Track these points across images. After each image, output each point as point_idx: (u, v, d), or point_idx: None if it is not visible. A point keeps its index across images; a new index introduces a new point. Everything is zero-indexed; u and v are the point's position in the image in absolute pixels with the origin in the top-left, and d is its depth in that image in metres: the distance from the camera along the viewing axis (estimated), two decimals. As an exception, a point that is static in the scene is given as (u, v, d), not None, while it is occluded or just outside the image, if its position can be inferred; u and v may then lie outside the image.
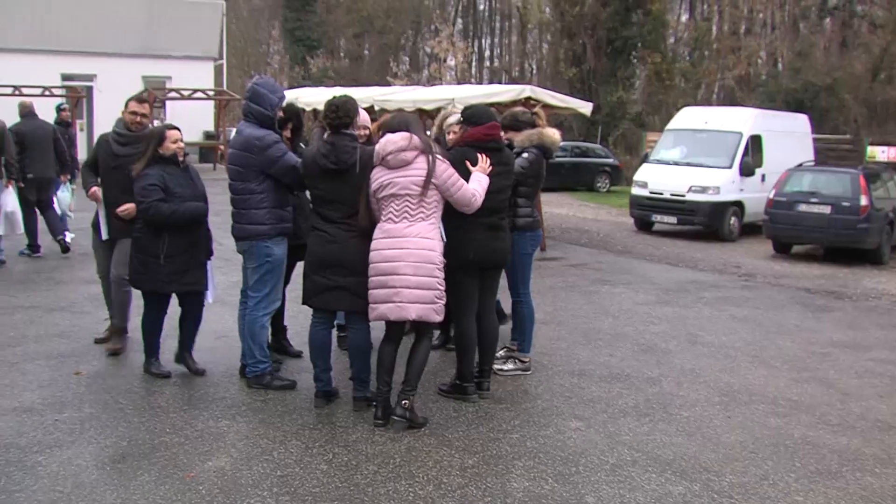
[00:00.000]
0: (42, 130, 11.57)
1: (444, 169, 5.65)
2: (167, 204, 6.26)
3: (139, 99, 7.16)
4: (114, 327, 7.39)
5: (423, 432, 5.71)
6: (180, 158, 6.51)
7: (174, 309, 6.76)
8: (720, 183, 17.21)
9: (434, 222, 5.69)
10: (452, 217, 6.03)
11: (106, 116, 27.29)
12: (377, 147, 5.70)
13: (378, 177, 5.66)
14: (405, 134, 5.63)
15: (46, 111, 22.48)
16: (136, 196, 6.36)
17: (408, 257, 5.54)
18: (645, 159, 19.49)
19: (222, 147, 27.87)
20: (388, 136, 5.68)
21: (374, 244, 5.67)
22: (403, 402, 5.71)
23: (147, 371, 6.68)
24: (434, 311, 5.65)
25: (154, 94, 26.92)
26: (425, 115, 16.35)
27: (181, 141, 6.54)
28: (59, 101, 26.27)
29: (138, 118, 7.03)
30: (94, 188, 7.13)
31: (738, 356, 8.04)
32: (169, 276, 6.38)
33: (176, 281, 6.43)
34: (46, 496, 4.60)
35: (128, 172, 6.76)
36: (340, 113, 5.80)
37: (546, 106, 13.52)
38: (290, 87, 26.39)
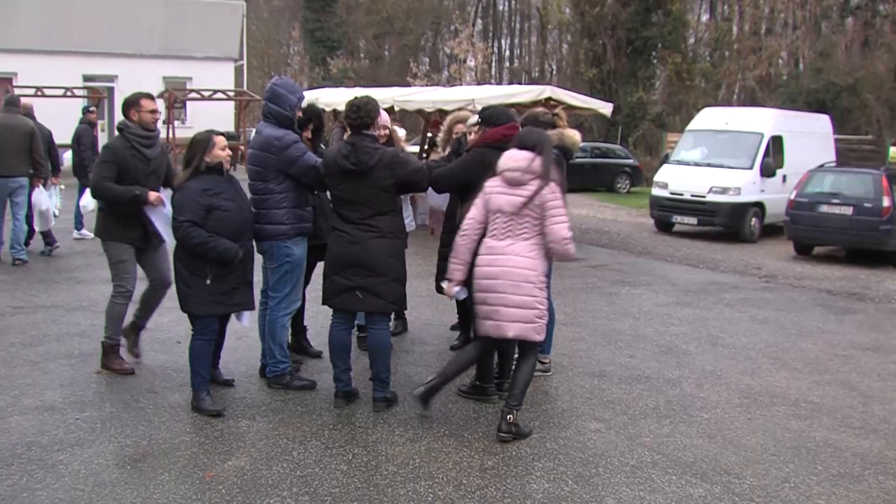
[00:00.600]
0: (40, 133, 11.66)
1: (553, 198, 5.52)
2: (199, 230, 5.70)
3: (149, 96, 6.83)
4: (135, 327, 7.08)
5: (443, 433, 5.71)
6: (227, 167, 5.99)
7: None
8: (741, 184, 17.12)
9: (537, 242, 5.58)
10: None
11: (127, 117, 27.55)
12: (500, 161, 5.65)
13: (492, 188, 5.65)
14: (528, 155, 5.57)
15: (69, 112, 22.59)
16: (173, 211, 5.86)
17: (505, 276, 5.51)
18: (665, 160, 19.41)
19: (242, 147, 27.97)
20: (513, 152, 5.64)
21: (477, 259, 5.65)
22: (508, 416, 5.61)
23: (196, 408, 5.95)
24: (534, 331, 5.59)
25: (175, 95, 27.11)
26: (445, 116, 16.35)
27: (227, 148, 6.03)
28: (80, 101, 26.54)
29: (156, 115, 6.78)
30: (154, 193, 6.53)
31: (759, 358, 8.00)
32: (218, 297, 5.86)
33: (223, 302, 5.89)
34: (67, 494, 4.63)
35: (159, 175, 6.73)
36: (361, 113, 5.81)
37: (566, 106, 13.49)
38: (311, 88, 26.48)
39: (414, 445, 5.48)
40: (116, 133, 6.71)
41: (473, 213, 5.70)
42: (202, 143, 5.89)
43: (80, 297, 9.31)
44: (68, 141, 12.99)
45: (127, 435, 5.49)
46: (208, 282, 5.79)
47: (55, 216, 11.74)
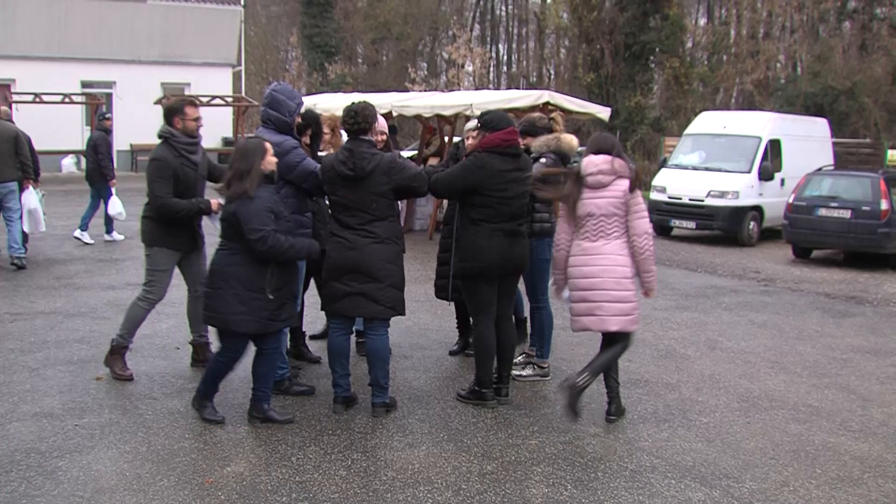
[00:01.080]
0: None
1: (636, 195, 5.91)
2: (283, 236, 5.55)
3: (193, 103, 6.68)
4: (200, 345, 7.05)
5: (442, 438, 5.71)
6: (276, 175, 5.80)
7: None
8: (739, 187, 17.12)
9: (626, 241, 5.91)
10: (471, 223, 6.05)
11: (126, 123, 27.62)
12: (582, 165, 5.94)
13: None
14: (607, 158, 5.89)
15: (68, 118, 22.57)
16: (248, 223, 5.42)
17: (607, 273, 5.85)
18: (663, 164, 19.40)
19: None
20: (591, 157, 5.94)
21: (572, 260, 5.99)
22: (579, 380, 5.87)
23: (200, 415, 5.91)
24: (631, 322, 5.94)
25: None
26: (443, 121, 16.40)
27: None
28: (79, 107, 26.60)
29: (200, 122, 6.65)
30: (215, 200, 6.40)
31: (758, 362, 8.00)
32: (272, 314, 5.63)
33: (276, 318, 5.68)
34: (67, 501, 4.63)
35: (205, 177, 6.70)
36: (359, 118, 5.82)
37: (564, 111, 13.51)
38: (309, 94, 26.46)
39: (413, 451, 5.48)
40: (159, 141, 6.54)
41: (564, 227, 6.06)
42: (258, 149, 5.63)
43: (79, 304, 9.31)
44: (67, 147, 12.99)
45: (126, 441, 5.49)
46: (270, 296, 5.57)
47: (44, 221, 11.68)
